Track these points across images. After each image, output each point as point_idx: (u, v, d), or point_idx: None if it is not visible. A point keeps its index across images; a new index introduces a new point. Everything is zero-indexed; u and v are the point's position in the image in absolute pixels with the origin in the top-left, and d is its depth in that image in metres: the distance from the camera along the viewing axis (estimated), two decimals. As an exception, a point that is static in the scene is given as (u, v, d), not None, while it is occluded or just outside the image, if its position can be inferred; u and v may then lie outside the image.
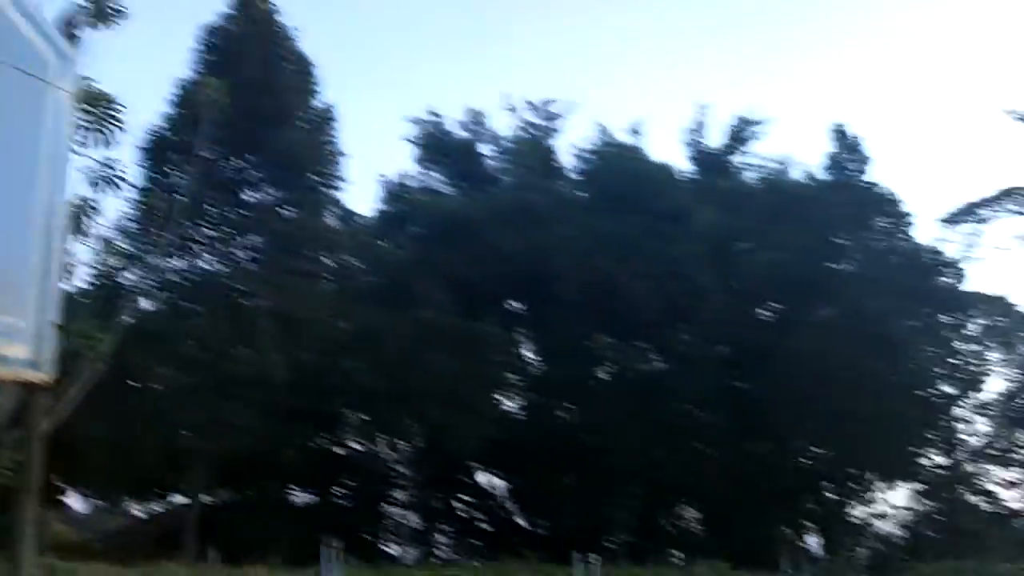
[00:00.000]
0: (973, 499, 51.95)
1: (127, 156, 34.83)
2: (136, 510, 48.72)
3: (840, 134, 46.54)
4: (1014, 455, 52.76)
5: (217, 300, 35.74)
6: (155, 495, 42.76)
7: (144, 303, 35.07)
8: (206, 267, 37.42)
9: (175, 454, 34.76)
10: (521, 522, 49.19)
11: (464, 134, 52.48)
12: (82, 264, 13.51)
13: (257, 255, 37.53)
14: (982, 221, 56.97)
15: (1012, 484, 52.91)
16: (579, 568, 25.71)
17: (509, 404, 48.48)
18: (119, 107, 12.30)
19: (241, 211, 37.52)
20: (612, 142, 50.47)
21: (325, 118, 39.16)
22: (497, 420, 42.08)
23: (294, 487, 43.81)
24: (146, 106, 45.80)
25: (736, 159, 53.46)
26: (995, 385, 52.19)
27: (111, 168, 13.06)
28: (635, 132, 51.40)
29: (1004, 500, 52.66)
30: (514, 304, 50.30)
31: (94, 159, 12.80)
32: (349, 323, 40.52)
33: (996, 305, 53.68)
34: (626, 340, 41.95)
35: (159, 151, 36.09)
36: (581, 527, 42.65)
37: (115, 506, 45.32)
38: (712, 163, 52.63)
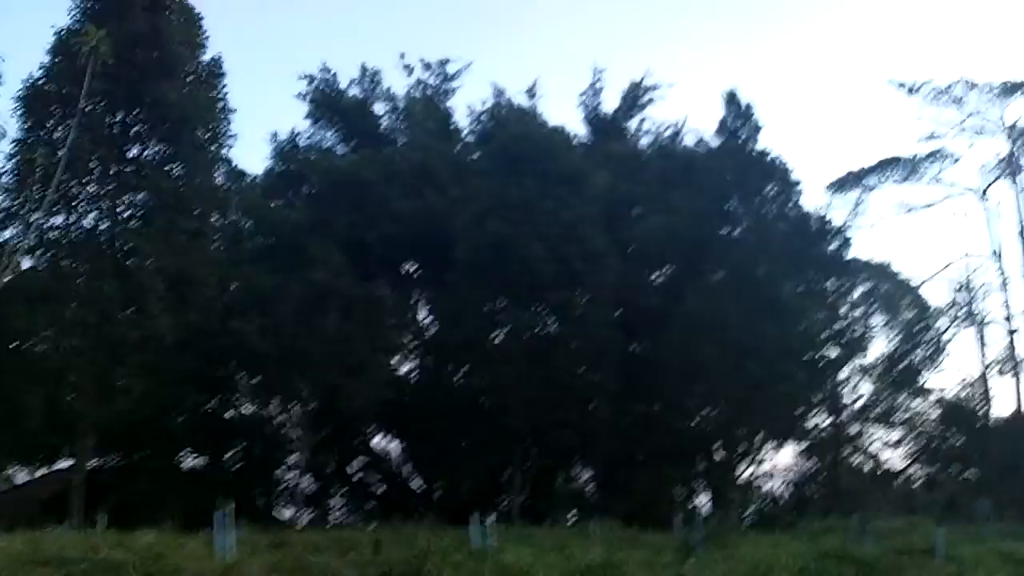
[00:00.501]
0: (857, 459, 53.54)
1: (3, 108, 33.84)
2: (20, 474, 47.44)
3: (732, 100, 47.00)
4: (895, 417, 54.47)
5: (102, 259, 34.66)
6: (40, 460, 41.59)
7: (24, 261, 34.03)
8: (89, 225, 36.22)
9: (60, 418, 33.75)
10: (416, 485, 49.17)
11: (357, 92, 51.84)
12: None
13: (143, 213, 36.43)
14: (868, 189, 58.44)
15: (893, 444, 54.68)
16: (475, 529, 25.66)
17: (404, 367, 48.33)
18: (-7, 55, 11.69)
19: (126, 167, 36.31)
20: (508, 104, 50.33)
21: (213, 72, 38.07)
22: (392, 383, 41.91)
23: (185, 451, 43.07)
24: (24, 56, 44.22)
25: (631, 124, 53.89)
26: (878, 349, 53.76)
27: (-15, 119, 12.45)
28: (531, 95, 51.43)
29: (885, 460, 54.45)
30: (409, 266, 50.02)
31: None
32: (240, 284, 39.78)
33: (879, 271, 55.16)
34: (521, 303, 42.01)
35: (38, 103, 34.64)
36: (476, 489, 42.80)
37: (-4, 470, 44.02)
38: (607, 127, 52.97)
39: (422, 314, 49.87)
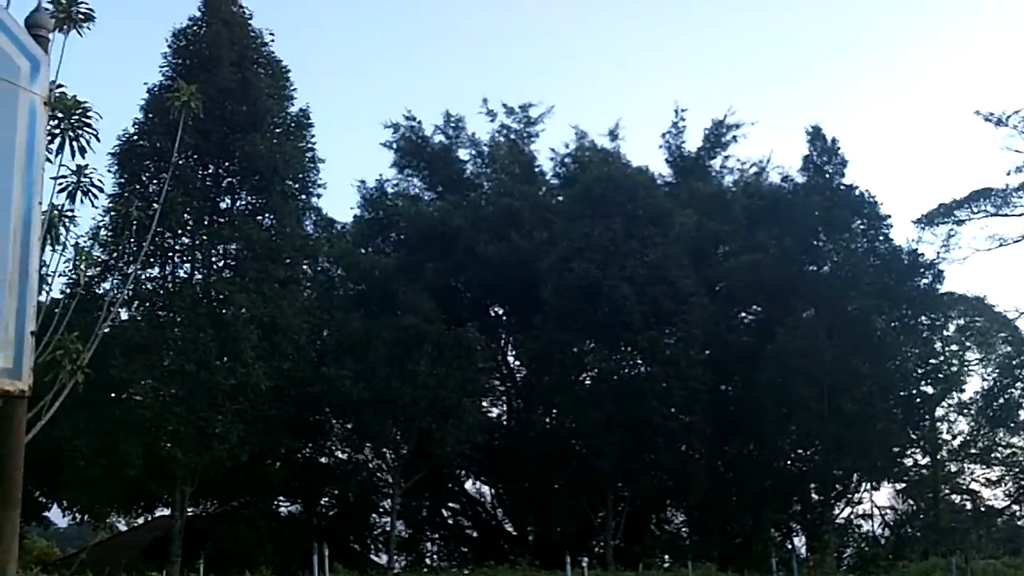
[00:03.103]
0: (955, 498, 52.21)
1: (100, 163, 34.82)
2: (120, 523, 48.37)
3: (816, 136, 46.61)
4: (994, 454, 53.09)
5: (196, 309, 35.40)
6: (139, 508, 42.40)
7: (122, 313, 34.86)
8: (183, 275, 37.06)
9: (158, 466, 34.38)
10: (509, 528, 49.13)
11: (442, 139, 52.48)
12: (58, 274, 13.29)
13: (235, 263, 37.18)
14: (958, 222, 57.40)
15: (993, 483, 53.24)
16: (570, 573, 25.54)
17: (494, 410, 48.46)
18: (92, 113, 12.06)
19: (217, 218, 37.16)
20: (590, 146, 50.56)
21: (300, 123, 38.88)
22: (482, 426, 41.92)
23: (280, 497, 43.56)
24: (118, 112, 45.57)
25: (714, 162, 53.76)
26: (975, 385, 52.53)
27: (85, 176, 12.82)
28: (613, 136, 51.65)
29: (985, 498, 53.00)
30: (497, 310, 50.27)
31: (67, 167, 12.56)
32: (331, 331, 40.28)
33: (973, 305, 54.02)
34: (609, 344, 41.87)
35: (132, 158, 35.70)
36: (569, 532, 42.57)
37: (98, 520, 44.90)
38: (690, 166, 52.86)
39: (511, 357, 50.06)
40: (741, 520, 44.91)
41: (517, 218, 46.39)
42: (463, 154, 53.09)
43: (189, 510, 37.65)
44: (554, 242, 43.42)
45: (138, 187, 35.69)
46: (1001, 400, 52.36)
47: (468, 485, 49.70)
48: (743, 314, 49.95)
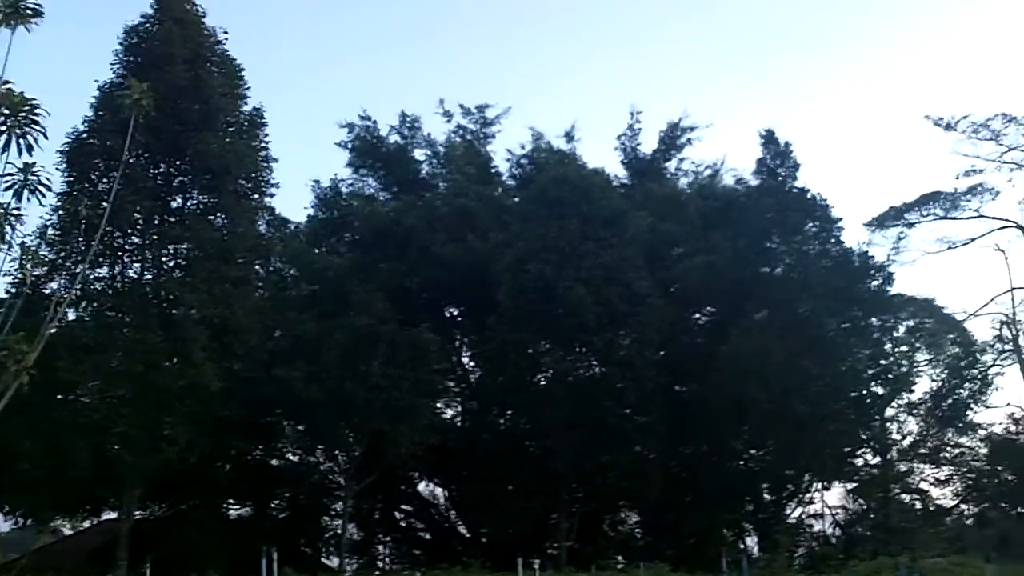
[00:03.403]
0: (905, 497, 52.73)
1: (49, 161, 34.21)
2: (65, 527, 47.64)
3: (770, 139, 46.87)
4: (943, 454, 53.66)
5: (146, 310, 34.93)
6: (85, 511, 41.76)
7: (70, 313, 34.26)
8: (133, 275, 36.50)
9: (105, 468, 33.82)
10: (462, 529, 49.01)
11: (398, 139, 52.23)
12: (3, 273, 12.97)
13: (186, 263, 36.67)
14: (908, 225, 58.02)
15: (942, 482, 53.84)
16: (521, 574, 25.46)
17: (449, 411, 48.28)
18: (40, 111, 11.80)
19: (168, 218, 36.63)
20: (547, 147, 50.51)
21: (254, 122, 38.41)
22: (436, 427, 41.73)
23: (230, 500, 43.11)
24: (67, 110, 44.79)
25: (669, 164, 53.95)
26: (924, 385, 53.08)
27: (32, 174, 12.52)
28: (569, 137, 51.64)
29: (934, 497, 53.59)
30: (452, 311, 50.10)
31: (14, 165, 12.27)
32: (284, 332, 39.90)
33: (923, 307, 54.57)
34: (564, 345, 41.87)
35: (82, 156, 35.07)
36: (523, 533, 42.44)
37: (43, 523, 44.18)
38: (646, 168, 53.01)
39: (466, 358, 49.91)
40: (694, 520, 45.04)
41: (473, 219, 46.27)
42: (419, 154, 52.96)
43: (137, 513, 37.16)
44: (510, 243, 43.32)
45: (87, 186, 35.11)
46: (950, 401, 52.91)
47: (421, 487, 49.52)
48: (697, 315, 50.17)
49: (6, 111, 11.29)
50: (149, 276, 36.72)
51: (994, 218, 57.74)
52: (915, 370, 52.99)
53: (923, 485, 53.96)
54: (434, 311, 47.48)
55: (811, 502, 47.78)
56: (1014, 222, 57.34)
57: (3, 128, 11.37)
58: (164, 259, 37.08)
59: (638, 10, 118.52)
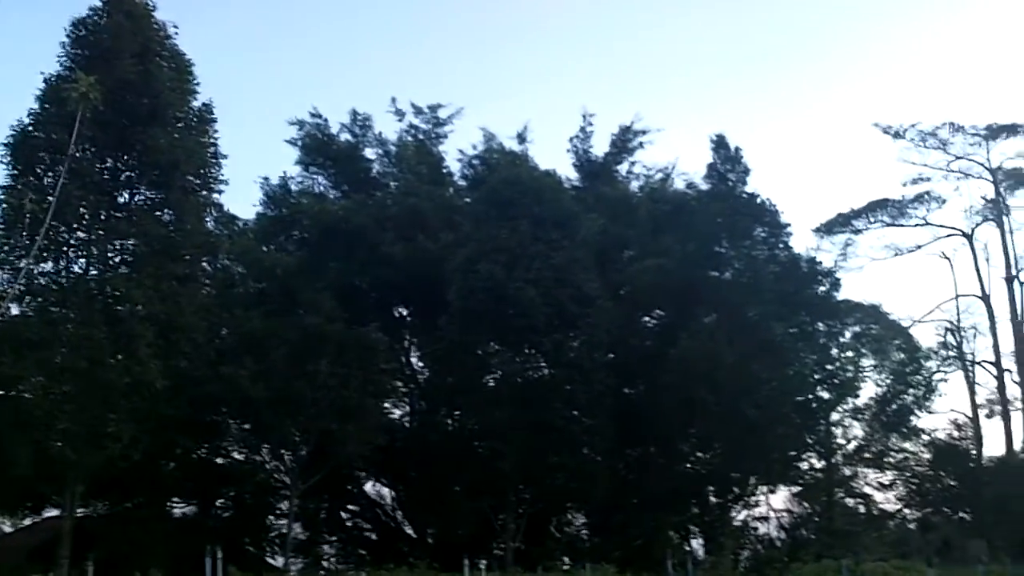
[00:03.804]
0: (849, 501, 53.31)
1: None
2: (5, 524, 46.97)
3: (720, 144, 47.23)
4: (887, 459, 54.32)
5: (91, 305, 34.35)
6: (28, 509, 41.19)
7: (13, 308, 33.79)
8: (78, 271, 35.98)
9: (47, 465, 33.28)
10: (409, 530, 48.89)
11: (348, 137, 52.00)
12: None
13: (132, 259, 36.17)
14: (855, 232, 58.83)
15: (886, 487, 54.49)
16: (467, 574, 25.44)
17: (396, 411, 48.13)
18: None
19: (115, 213, 36.07)
20: (499, 148, 50.54)
21: (203, 118, 37.88)
22: (384, 427, 41.65)
23: (174, 498, 42.70)
24: (11, 102, 44.21)
25: (620, 168, 54.18)
26: (869, 390, 53.72)
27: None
28: (521, 139, 51.74)
29: (878, 502, 54.23)
30: (401, 310, 49.94)
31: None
32: (231, 330, 39.59)
33: (869, 313, 55.31)
34: (514, 346, 41.86)
35: (26, 149, 34.36)
36: (469, 534, 42.44)
37: (-17, 520, 43.62)
38: (597, 171, 53.23)
39: (414, 358, 49.76)
40: (641, 522, 45.19)
41: (423, 219, 46.17)
42: (370, 153, 52.76)
43: (79, 511, 36.61)
44: (460, 243, 43.28)
45: (32, 179, 34.43)
46: (894, 406, 53.62)
47: (368, 486, 49.32)
48: (647, 318, 50.33)
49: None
50: (95, 272, 36.11)
51: (940, 226, 58.85)
52: (861, 375, 53.63)
53: (867, 489, 54.66)
54: (383, 311, 47.32)
55: (756, 505, 48.14)
56: (960, 230, 58.43)
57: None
58: (110, 255, 36.49)
59: (592, 13, 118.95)
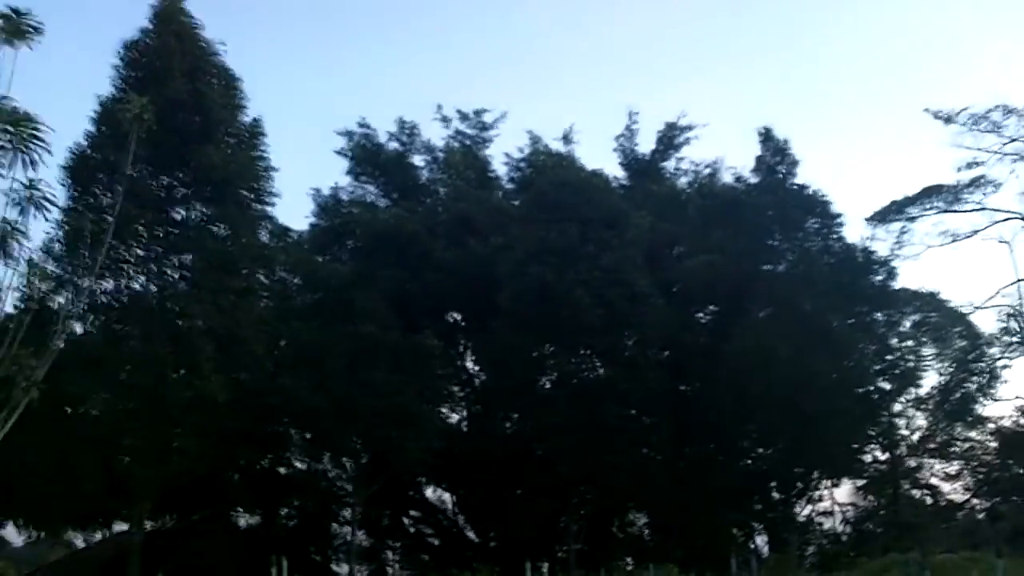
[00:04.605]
0: (915, 493, 52.68)
1: (51, 177, 34.32)
2: (78, 540, 47.73)
3: (768, 137, 46.91)
4: (952, 448, 53.62)
5: (152, 322, 34.96)
6: (97, 524, 41.83)
7: (77, 327, 34.43)
8: (138, 288, 36.61)
9: (116, 481, 33.93)
10: (471, 535, 48.99)
11: (396, 146, 52.33)
12: (10, 289, 13.08)
13: (190, 274, 36.76)
14: (910, 219, 58.01)
15: (952, 477, 53.79)
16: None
17: (454, 416, 48.31)
18: (42, 127, 11.92)
19: (171, 230, 36.72)
20: (545, 150, 50.59)
21: (253, 133, 38.50)
22: (442, 433, 41.77)
23: (239, 509, 43.20)
24: (68, 125, 45.02)
25: (667, 164, 53.99)
26: (931, 380, 53.08)
27: (36, 189, 12.64)
28: (567, 140, 51.72)
29: (944, 492, 53.53)
30: (455, 315, 50.15)
31: (19, 181, 12.40)
32: (288, 341, 39.98)
33: (928, 301, 54.54)
34: (567, 348, 41.92)
35: (84, 171, 35.24)
36: (531, 537, 42.49)
37: (56, 537, 44.28)
38: (644, 169, 53.07)
39: (470, 363, 49.94)
40: (703, 520, 44.93)
41: (473, 223, 46.34)
42: (418, 160, 53.05)
43: (148, 525, 37.24)
44: (510, 247, 43.39)
45: (91, 200, 35.24)
46: (957, 394, 52.84)
47: (429, 492, 49.54)
48: (700, 314, 50.12)
49: (9, 128, 11.40)
50: (154, 288, 36.77)
51: (997, 210, 57.65)
52: (922, 364, 52.98)
53: (933, 480, 53.91)
54: (437, 316, 47.53)
55: (820, 500, 47.78)
56: (1017, 213, 57.33)
57: (7, 145, 11.49)
58: (168, 271, 37.15)
59: (632, 11, 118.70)
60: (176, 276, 37.19)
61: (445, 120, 52.69)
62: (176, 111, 35.78)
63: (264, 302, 39.86)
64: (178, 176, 37.17)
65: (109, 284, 36.09)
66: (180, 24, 37.48)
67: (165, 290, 36.59)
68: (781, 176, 46.33)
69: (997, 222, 57.39)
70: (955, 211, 58.16)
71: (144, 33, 37.29)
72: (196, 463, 34.12)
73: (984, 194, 57.56)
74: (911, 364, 50.66)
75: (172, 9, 37.39)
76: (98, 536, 43.68)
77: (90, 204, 34.98)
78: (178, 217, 37.41)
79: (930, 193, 58.12)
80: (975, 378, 53.54)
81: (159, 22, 37.26)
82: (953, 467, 53.85)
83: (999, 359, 54.80)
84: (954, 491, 53.79)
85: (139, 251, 36.53)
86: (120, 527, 40.86)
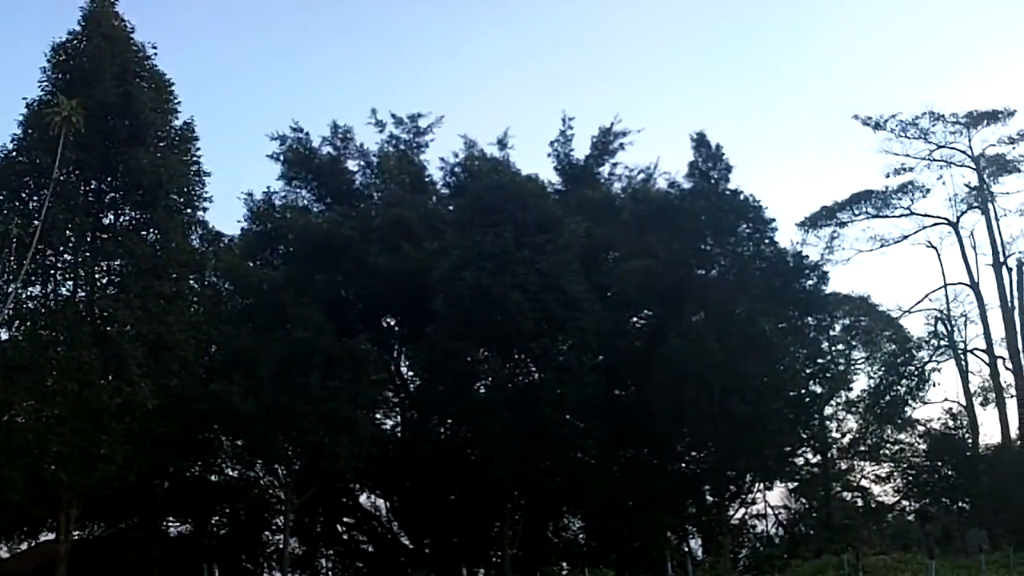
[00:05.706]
0: (846, 495, 53.40)
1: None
2: (2, 551, 46.85)
3: (701, 142, 47.18)
4: (883, 451, 54.45)
5: (80, 327, 34.40)
6: (22, 533, 41.12)
7: (2, 333, 33.87)
8: (66, 293, 36.04)
9: (42, 489, 33.36)
10: (405, 541, 48.78)
11: (330, 150, 52.06)
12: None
13: (119, 279, 36.25)
14: (840, 224, 58.89)
15: (883, 479, 54.61)
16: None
17: (388, 422, 48.11)
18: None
19: (101, 234, 36.21)
20: (480, 155, 50.64)
21: (185, 136, 38.07)
22: (376, 439, 41.61)
23: (169, 518, 42.67)
24: (-3, 130, 44.22)
25: (602, 170, 54.24)
26: (861, 383, 53.85)
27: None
28: (502, 145, 51.79)
29: (875, 494, 54.32)
30: (389, 321, 49.94)
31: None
32: (219, 347, 39.58)
33: (858, 306, 55.43)
34: (503, 352, 41.86)
35: (10, 175, 34.66)
36: (467, 543, 42.43)
37: (-22, 546, 43.49)
38: (579, 174, 53.27)
39: (404, 368, 49.76)
40: (637, 524, 45.21)
41: (407, 228, 46.18)
42: (352, 165, 52.81)
43: (75, 534, 36.59)
44: (445, 251, 43.30)
45: (17, 204, 34.77)
46: (887, 397, 53.75)
47: (363, 499, 49.32)
48: (634, 319, 50.37)
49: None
50: (82, 293, 36.24)
51: (925, 215, 58.89)
52: (852, 368, 53.84)
53: (864, 482, 54.77)
54: (371, 322, 47.32)
55: (753, 503, 48.10)
56: (945, 219, 58.49)
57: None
58: (97, 276, 36.64)
59: (567, 16, 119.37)
60: (105, 281, 36.68)
61: (380, 125, 52.59)
62: (106, 114, 35.41)
63: (195, 307, 39.37)
64: (107, 180, 36.70)
65: (36, 289, 35.55)
66: (111, 26, 37.00)
67: (94, 295, 36.04)
68: (714, 181, 46.63)
69: (926, 227, 58.64)
70: (884, 216, 59.29)
71: (73, 35, 36.77)
72: (124, 470, 33.63)
73: (913, 199, 58.80)
74: (842, 367, 51.40)
75: (102, 11, 36.91)
76: (23, 546, 42.92)
77: (16, 208, 34.46)
78: (107, 221, 36.92)
79: (860, 199, 59.14)
80: (904, 381, 54.51)
81: (89, 24, 36.75)
82: (884, 469, 54.78)
83: (928, 362, 55.92)
84: (884, 493, 54.76)
85: (67, 256, 36.04)
86: (46, 536, 40.19)
